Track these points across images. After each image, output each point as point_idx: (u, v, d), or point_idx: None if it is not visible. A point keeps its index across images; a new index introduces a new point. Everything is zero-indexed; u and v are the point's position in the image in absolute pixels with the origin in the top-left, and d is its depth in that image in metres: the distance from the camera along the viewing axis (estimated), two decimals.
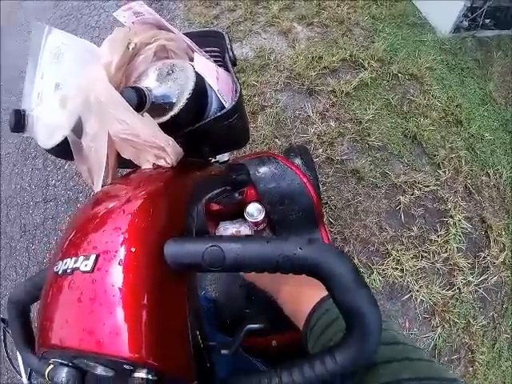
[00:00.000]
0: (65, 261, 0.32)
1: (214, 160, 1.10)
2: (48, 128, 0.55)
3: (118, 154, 0.52)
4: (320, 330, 0.41)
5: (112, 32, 0.55)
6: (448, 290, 1.48)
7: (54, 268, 0.32)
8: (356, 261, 1.52)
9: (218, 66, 0.65)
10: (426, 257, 1.53)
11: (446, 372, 0.32)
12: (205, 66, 0.59)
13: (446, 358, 1.40)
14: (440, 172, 1.71)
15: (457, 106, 1.91)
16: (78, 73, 0.52)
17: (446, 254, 1.54)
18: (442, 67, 2.07)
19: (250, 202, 1.00)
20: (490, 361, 1.42)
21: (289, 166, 1.14)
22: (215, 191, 0.72)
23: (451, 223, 1.59)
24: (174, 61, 0.58)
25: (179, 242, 0.33)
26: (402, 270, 1.48)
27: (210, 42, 0.70)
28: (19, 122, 0.54)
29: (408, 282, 1.47)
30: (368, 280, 1.47)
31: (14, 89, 3.09)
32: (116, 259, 0.30)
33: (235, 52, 0.67)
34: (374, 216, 1.60)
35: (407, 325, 1.44)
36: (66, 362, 0.29)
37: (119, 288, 0.28)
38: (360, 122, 1.84)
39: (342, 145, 1.78)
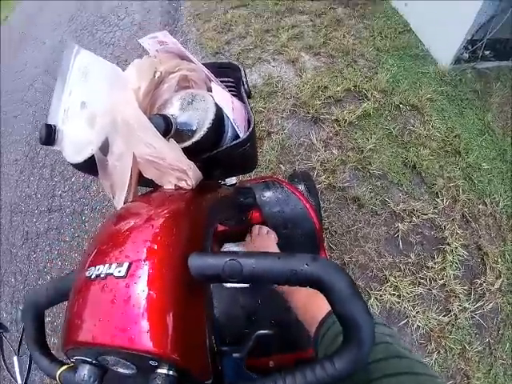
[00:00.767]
0: (97, 267, 0.35)
1: (222, 183, 1.14)
2: (75, 144, 0.57)
3: (140, 174, 0.55)
4: (331, 338, 0.45)
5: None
6: (444, 316, 1.53)
7: (86, 273, 0.35)
8: None
9: (233, 95, 0.69)
10: (422, 283, 1.58)
11: None
12: (222, 96, 0.63)
13: None
14: (438, 201, 1.78)
15: (455, 136, 1.99)
16: (104, 93, 0.55)
17: (442, 281, 1.59)
18: (442, 98, 2.16)
19: (254, 225, 1.06)
20: None
21: (293, 192, 1.21)
22: (224, 213, 0.77)
23: (448, 250, 1.65)
24: (195, 91, 0.63)
25: (202, 256, 0.37)
26: (399, 296, 1.54)
27: (226, 73, 0.75)
28: (50, 136, 0.56)
29: (405, 307, 1.52)
30: None
31: (25, 98, 3.23)
32: (147, 267, 0.33)
33: None
34: (373, 242, 1.67)
35: None
36: (89, 360, 0.33)
37: (150, 292, 0.32)
38: (362, 150, 1.93)
39: (344, 172, 1.87)
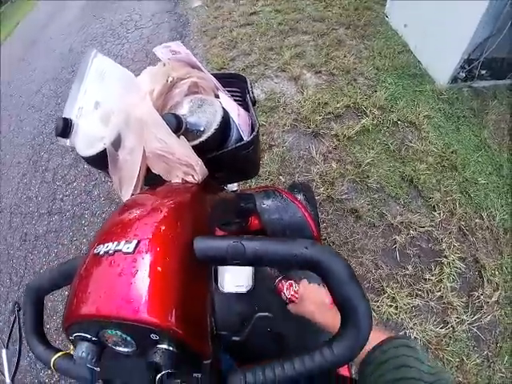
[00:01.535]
0: (106, 244, 0.35)
1: (224, 188, 1.18)
2: (88, 139, 0.61)
3: (147, 171, 0.58)
4: (374, 368, 0.44)
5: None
6: (442, 328, 1.52)
7: (94, 250, 0.36)
8: None
9: (238, 104, 0.74)
10: (420, 295, 1.59)
11: None
12: (228, 103, 0.68)
13: None
14: (435, 214, 1.80)
15: (452, 152, 2.03)
16: (118, 95, 0.58)
17: (439, 293, 1.59)
18: (440, 115, 2.21)
19: (253, 231, 1.08)
20: None
21: (292, 200, 1.24)
22: (226, 214, 0.79)
23: (445, 263, 1.66)
24: (203, 96, 0.67)
25: (206, 238, 0.39)
26: (396, 308, 1.55)
27: (233, 83, 0.79)
28: (66, 128, 0.59)
29: (402, 319, 1.53)
30: None
31: (32, 103, 3.31)
32: (155, 245, 0.34)
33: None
34: (370, 254, 1.70)
35: None
36: (89, 337, 0.33)
37: (157, 267, 0.33)
38: (360, 164, 1.98)
39: (343, 185, 1.92)
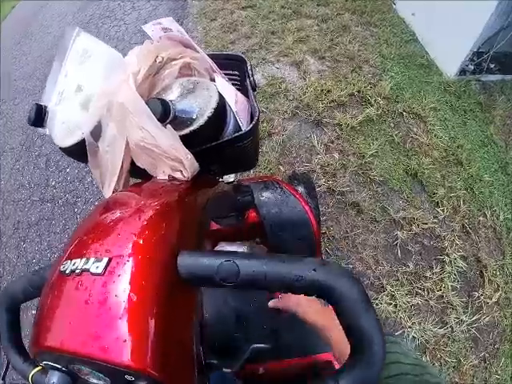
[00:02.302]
0: (73, 261, 0.31)
1: (220, 180, 1.11)
2: (66, 127, 0.54)
3: (132, 163, 0.52)
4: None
5: (131, 45, 0.57)
6: (440, 328, 1.49)
7: (61, 267, 0.31)
8: None
9: (237, 89, 0.66)
10: (420, 293, 1.55)
11: None
12: (225, 87, 0.61)
13: None
14: (438, 210, 1.75)
15: (458, 146, 1.97)
16: (102, 77, 0.53)
17: (440, 292, 1.55)
18: (446, 108, 2.15)
19: (250, 225, 1.02)
20: None
21: (292, 193, 1.17)
22: (221, 210, 0.74)
23: (447, 261, 1.62)
24: (197, 79, 0.60)
25: (193, 255, 0.33)
26: (395, 306, 1.51)
27: (231, 65, 0.72)
28: (39, 116, 0.53)
29: (401, 317, 1.49)
30: None
31: (26, 87, 3.20)
32: (129, 264, 0.29)
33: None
34: (371, 249, 1.64)
35: None
36: (59, 367, 0.28)
37: (130, 294, 0.28)
38: (363, 156, 1.90)
39: (344, 177, 1.84)
